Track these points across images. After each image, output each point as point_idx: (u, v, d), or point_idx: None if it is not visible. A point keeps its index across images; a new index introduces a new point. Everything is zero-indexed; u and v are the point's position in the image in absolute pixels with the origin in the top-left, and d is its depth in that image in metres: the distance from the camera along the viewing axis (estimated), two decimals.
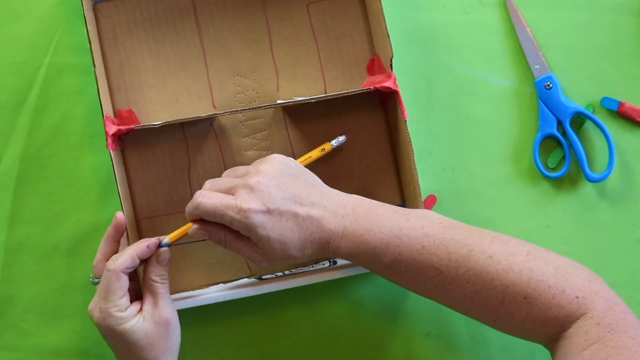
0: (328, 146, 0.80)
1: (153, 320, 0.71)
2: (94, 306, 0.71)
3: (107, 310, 0.69)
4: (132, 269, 0.71)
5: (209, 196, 0.69)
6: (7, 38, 0.83)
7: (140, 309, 0.71)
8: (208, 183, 0.72)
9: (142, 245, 0.71)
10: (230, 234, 0.70)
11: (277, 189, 0.69)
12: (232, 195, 0.69)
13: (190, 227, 0.71)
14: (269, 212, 0.68)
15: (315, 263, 0.81)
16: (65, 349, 0.82)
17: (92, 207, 0.82)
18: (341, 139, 0.81)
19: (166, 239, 0.73)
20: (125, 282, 0.70)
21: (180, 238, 0.73)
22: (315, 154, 0.79)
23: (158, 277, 0.72)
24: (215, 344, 0.83)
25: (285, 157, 0.73)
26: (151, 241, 0.72)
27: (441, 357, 0.84)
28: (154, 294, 0.72)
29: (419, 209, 0.74)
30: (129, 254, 0.71)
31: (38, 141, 0.82)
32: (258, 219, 0.68)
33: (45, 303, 0.82)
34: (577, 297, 0.65)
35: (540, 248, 0.69)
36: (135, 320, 0.70)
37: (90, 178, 0.82)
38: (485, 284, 0.66)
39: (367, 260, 0.69)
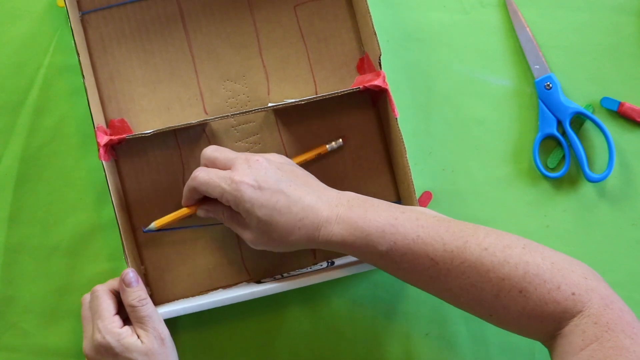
0: (323, 149, 0.80)
1: (149, 341, 0.71)
2: (89, 334, 0.73)
3: (105, 326, 0.71)
4: (116, 291, 0.75)
5: (207, 170, 0.72)
6: (7, 38, 0.83)
7: (136, 332, 0.73)
8: (212, 147, 0.74)
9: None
10: (226, 212, 0.73)
11: (274, 171, 0.71)
12: (231, 167, 0.71)
13: (180, 212, 0.76)
14: (260, 188, 0.69)
15: (314, 264, 0.81)
16: (64, 348, 0.82)
17: (92, 207, 0.82)
18: (339, 142, 0.81)
19: (152, 224, 0.77)
20: (114, 300, 0.74)
21: (168, 223, 0.76)
22: (310, 155, 0.80)
23: (135, 301, 0.73)
24: (215, 347, 0.83)
25: (286, 157, 0.76)
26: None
27: (441, 357, 0.84)
28: (139, 319, 0.73)
29: (416, 207, 0.74)
30: (112, 279, 0.76)
31: (38, 141, 0.83)
32: (247, 193, 0.69)
33: (45, 303, 0.82)
34: (574, 294, 0.64)
35: (536, 243, 0.68)
36: (134, 339, 0.71)
37: (89, 178, 0.82)
38: (481, 276, 0.66)
39: (361, 248, 0.69)
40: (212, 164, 0.74)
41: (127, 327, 0.72)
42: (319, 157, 0.81)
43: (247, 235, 0.73)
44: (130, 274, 0.74)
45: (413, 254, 0.68)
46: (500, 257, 0.66)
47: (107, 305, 0.73)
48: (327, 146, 0.81)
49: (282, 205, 0.69)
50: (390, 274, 0.71)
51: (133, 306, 0.73)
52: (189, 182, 0.74)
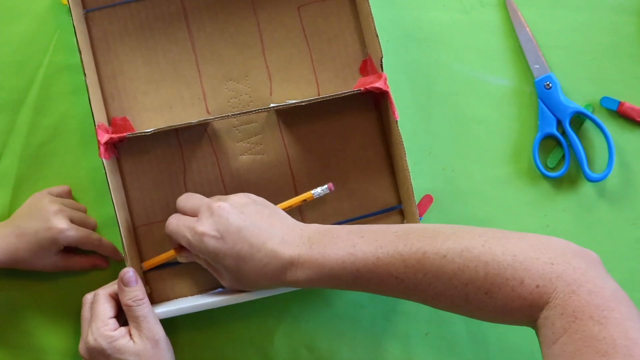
0: (309, 195, 0.78)
1: (142, 342, 0.72)
2: (84, 336, 0.73)
3: (98, 329, 0.72)
4: (117, 294, 0.75)
5: (177, 218, 0.74)
6: (7, 37, 0.83)
7: (130, 333, 0.73)
8: (183, 197, 0.76)
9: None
10: (201, 259, 0.74)
11: (237, 217, 0.71)
12: (197, 215, 0.72)
13: (166, 255, 0.77)
14: (222, 238, 0.70)
15: None
16: (64, 349, 0.82)
17: (92, 206, 0.83)
18: (324, 188, 0.78)
19: (142, 265, 0.79)
20: (113, 304, 0.74)
21: (156, 264, 0.79)
22: (295, 202, 0.79)
23: (131, 300, 0.73)
24: (215, 347, 0.83)
25: (257, 196, 0.76)
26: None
27: (440, 357, 0.83)
28: (134, 319, 0.73)
29: (379, 225, 0.73)
30: (115, 282, 0.75)
31: (37, 140, 0.82)
32: (211, 244, 0.70)
33: (45, 302, 0.82)
34: (538, 286, 0.62)
35: (501, 234, 0.66)
36: (126, 340, 0.72)
37: (90, 177, 0.82)
38: (446, 285, 0.65)
39: (328, 283, 0.70)
40: (183, 212, 0.75)
41: (121, 329, 0.72)
42: (321, 160, 0.81)
43: (222, 281, 0.75)
44: (130, 273, 0.74)
45: (378, 276, 0.67)
46: (460, 263, 0.64)
47: (104, 309, 0.73)
48: (313, 192, 0.79)
49: (246, 254, 0.70)
50: (369, 293, 0.71)
51: (129, 306, 0.73)
52: (165, 230, 0.76)
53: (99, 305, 0.73)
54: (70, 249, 0.80)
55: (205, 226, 0.71)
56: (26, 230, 0.77)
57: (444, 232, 0.67)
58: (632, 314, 0.60)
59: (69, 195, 0.82)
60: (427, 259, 0.65)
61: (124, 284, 0.73)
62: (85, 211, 0.82)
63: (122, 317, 0.74)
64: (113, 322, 0.73)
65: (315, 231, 0.72)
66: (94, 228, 0.81)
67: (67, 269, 0.81)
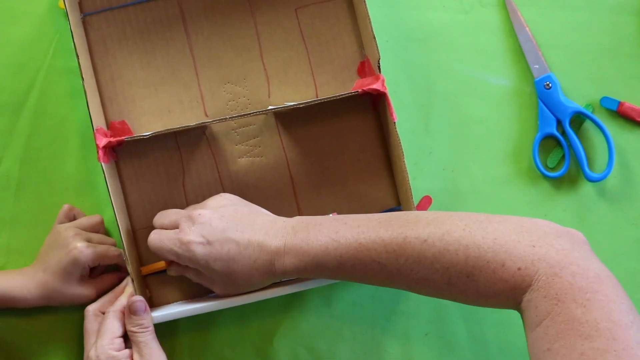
0: None
1: None
2: (87, 350, 0.73)
3: (103, 346, 0.72)
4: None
5: (158, 233, 0.74)
6: (7, 40, 0.83)
7: (132, 357, 0.73)
8: (158, 215, 0.77)
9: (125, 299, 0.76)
10: (191, 272, 0.75)
11: (219, 220, 0.71)
12: (178, 228, 0.73)
13: (159, 265, 0.77)
14: (209, 243, 0.71)
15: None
16: (64, 349, 0.82)
17: (93, 209, 0.83)
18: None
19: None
20: (122, 323, 0.74)
21: (152, 271, 0.79)
22: None
23: (136, 328, 0.73)
24: (215, 349, 0.83)
25: (232, 195, 0.76)
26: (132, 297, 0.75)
27: (440, 357, 0.84)
28: (137, 344, 0.73)
29: (363, 214, 0.72)
30: (124, 296, 0.76)
31: (38, 143, 0.83)
32: (199, 251, 0.71)
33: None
34: (519, 269, 0.61)
35: (484, 217, 0.66)
36: None
37: (90, 180, 0.83)
38: (428, 269, 0.65)
39: (314, 271, 0.70)
40: (162, 228, 0.75)
41: (125, 351, 0.73)
42: (320, 161, 0.81)
43: (216, 289, 0.75)
44: (138, 303, 0.74)
45: (361, 262, 0.68)
46: (440, 247, 0.64)
47: (112, 327, 0.73)
48: None
49: (235, 253, 0.70)
50: (355, 282, 0.71)
51: (133, 332, 0.73)
52: (149, 245, 0.75)
53: (108, 322, 0.74)
54: (97, 273, 0.81)
55: (189, 235, 0.71)
56: (50, 261, 0.78)
57: (425, 217, 0.67)
58: (617, 295, 0.59)
59: (71, 211, 0.82)
60: (408, 244, 0.65)
61: (132, 312, 0.74)
62: (101, 220, 0.82)
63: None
64: (119, 342, 0.73)
65: (299, 221, 0.72)
66: (113, 245, 0.81)
67: (101, 291, 0.80)
